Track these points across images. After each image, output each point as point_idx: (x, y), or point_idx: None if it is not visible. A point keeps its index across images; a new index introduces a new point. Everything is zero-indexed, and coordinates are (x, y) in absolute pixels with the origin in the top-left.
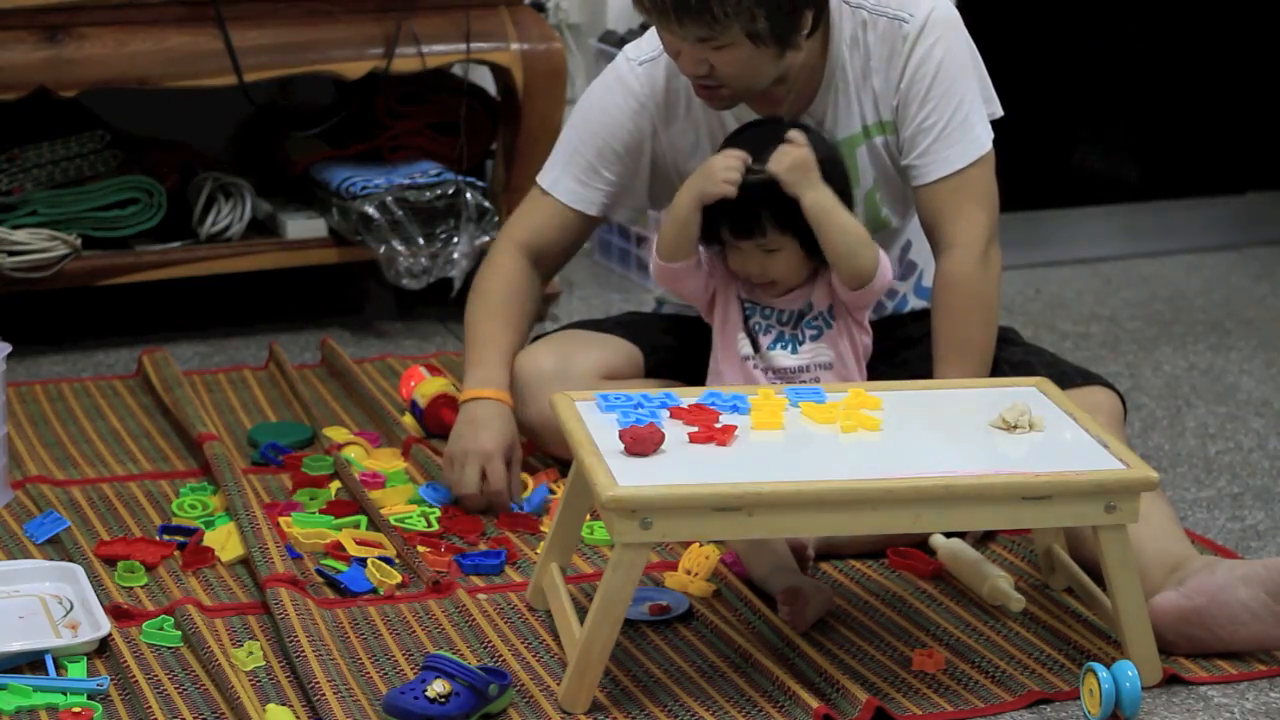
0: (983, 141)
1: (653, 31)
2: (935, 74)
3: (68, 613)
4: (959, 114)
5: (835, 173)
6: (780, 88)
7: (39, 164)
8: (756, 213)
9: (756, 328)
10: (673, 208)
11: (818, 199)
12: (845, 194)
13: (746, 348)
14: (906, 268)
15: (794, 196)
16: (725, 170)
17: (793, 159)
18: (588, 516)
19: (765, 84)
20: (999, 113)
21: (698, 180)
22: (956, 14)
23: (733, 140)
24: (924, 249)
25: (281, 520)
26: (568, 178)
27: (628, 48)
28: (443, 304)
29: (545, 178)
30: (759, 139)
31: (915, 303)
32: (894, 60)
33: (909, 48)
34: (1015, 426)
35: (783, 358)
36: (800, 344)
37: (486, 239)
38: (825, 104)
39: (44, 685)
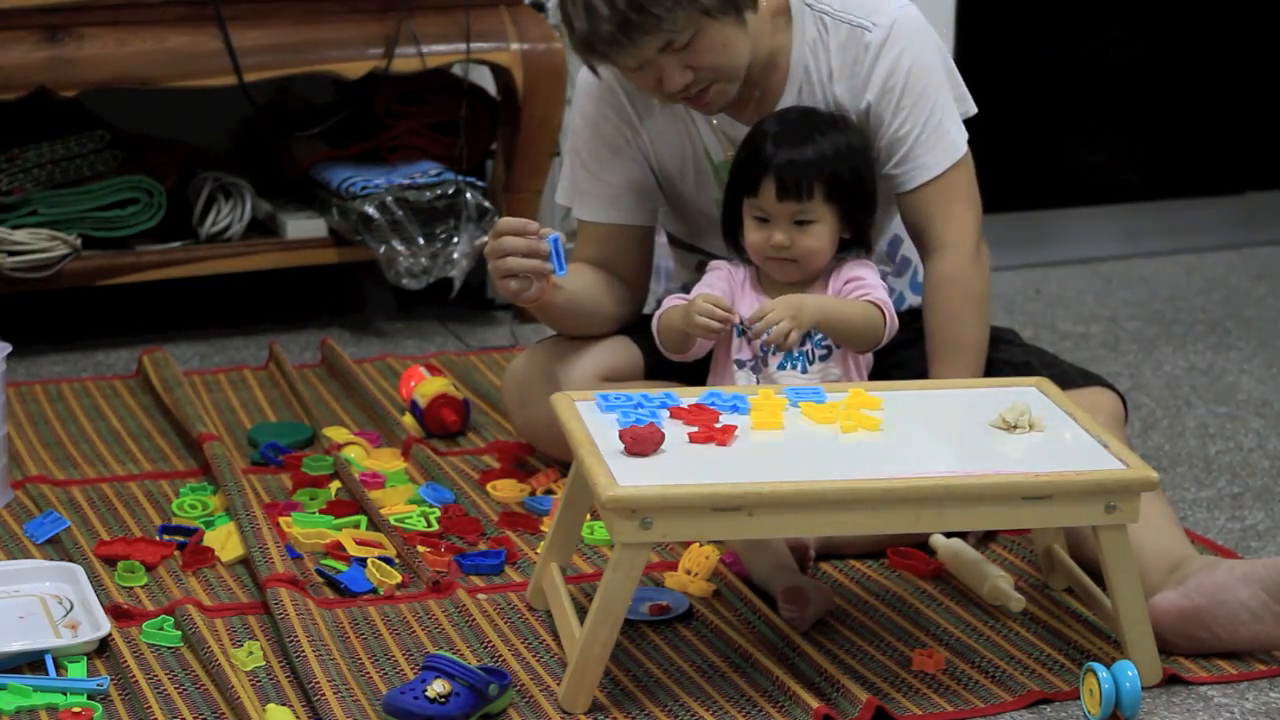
0: (958, 144)
1: None
2: (905, 84)
3: (68, 613)
4: (932, 120)
5: (863, 166)
6: (747, 89)
7: (39, 164)
8: (809, 178)
9: (764, 348)
10: (668, 320)
11: (819, 310)
12: (868, 183)
13: (742, 353)
14: (901, 264)
15: (804, 333)
16: (707, 315)
17: (780, 331)
18: (588, 516)
19: (745, 62)
20: (972, 110)
21: (682, 313)
22: (920, 18)
23: (762, 143)
24: None
25: (281, 520)
26: (579, 194)
27: None
28: (443, 304)
29: (562, 198)
30: (788, 132)
31: (912, 299)
32: (857, 69)
33: (872, 58)
34: (1015, 426)
35: (792, 378)
36: (810, 363)
37: (486, 239)
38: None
39: (44, 685)
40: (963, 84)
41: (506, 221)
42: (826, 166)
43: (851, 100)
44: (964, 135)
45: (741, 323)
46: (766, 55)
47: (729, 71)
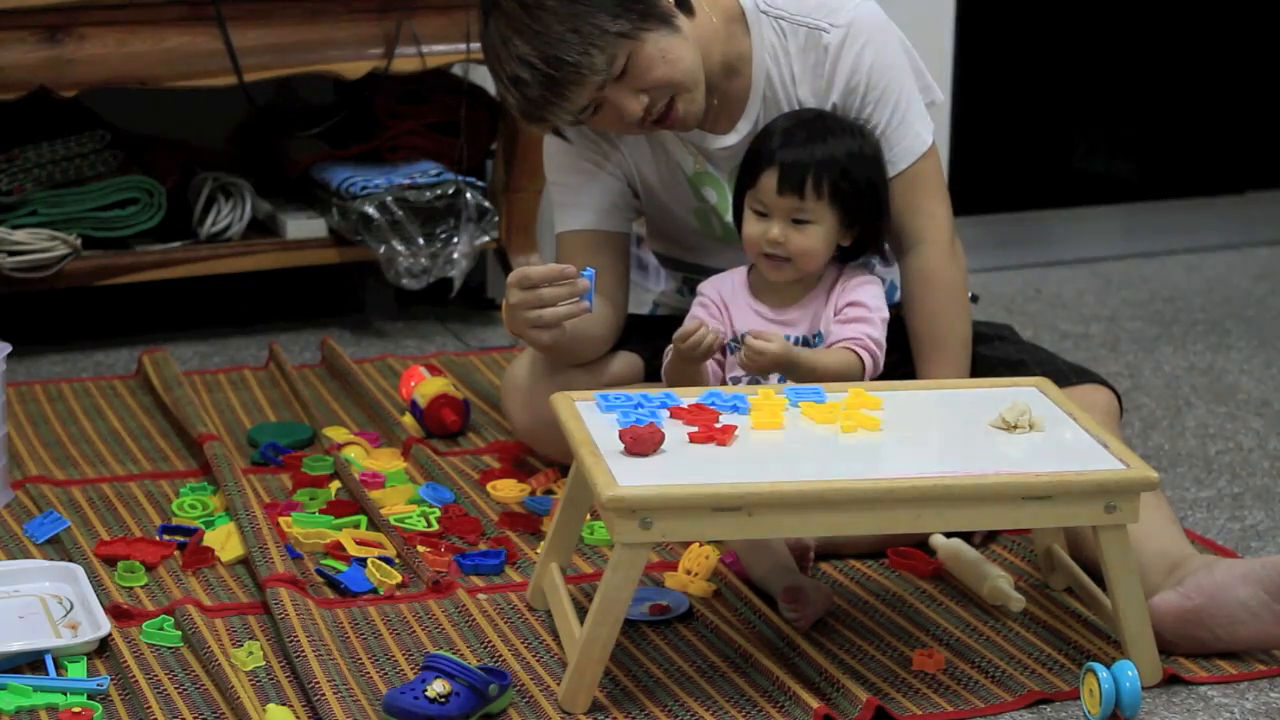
0: (924, 138)
1: None
2: (868, 81)
3: (68, 613)
4: (896, 115)
5: (875, 175)
6: (707, 97)
7: (39, 164)
8: (812, 176)
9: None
10: (673, 365)
11: (798, 360)
12: (879, 191)
13: (736, 370)
14: (891, 255)
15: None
16: (694, 338)
17: (764, 360)
18: (588, 516)
19: (694, 67)
20: (940, 98)
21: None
22: (879, 13)
23: (770, 136)
24: None
25: (281, 520)
26: (561, 208)
27: None
28: (443, 304)
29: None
30: (798, 129)
31: None
32: (819, 71)
33: (833, 59)
34: (1015, 426)
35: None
36: None
37: (486, 239)
38: (756, 114)
39: (44, 685)
40: (927, 73)
41: (537, 271)
42: (832, 168)
43: (817, 103)
44: (929, 129)
45: (736, 338)
46: (723, 62)
47: (680, 81)
